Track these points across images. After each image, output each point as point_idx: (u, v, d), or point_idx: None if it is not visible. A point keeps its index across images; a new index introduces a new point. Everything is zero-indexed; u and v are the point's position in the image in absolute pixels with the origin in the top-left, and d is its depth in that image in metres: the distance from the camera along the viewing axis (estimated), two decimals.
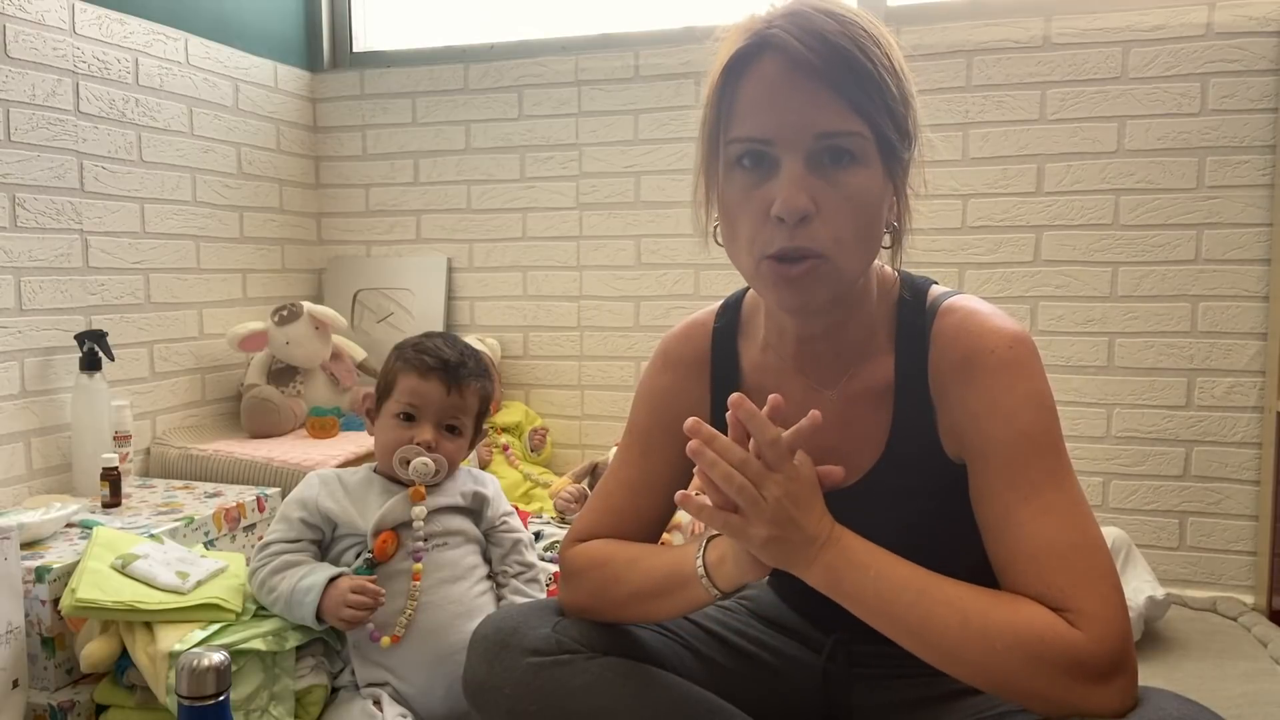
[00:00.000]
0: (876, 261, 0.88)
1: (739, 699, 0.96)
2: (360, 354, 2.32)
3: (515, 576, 1.37)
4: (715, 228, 0.87)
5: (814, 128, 0.77)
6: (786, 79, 0.78)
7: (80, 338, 1.77)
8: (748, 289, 0.98)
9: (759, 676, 1.02)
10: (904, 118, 0.81)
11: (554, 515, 1.92)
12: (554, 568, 1.63)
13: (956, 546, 0.84)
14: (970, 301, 0.88)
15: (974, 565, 0.81)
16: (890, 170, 0.81)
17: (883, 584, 0.77)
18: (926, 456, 0.87)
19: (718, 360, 0.97)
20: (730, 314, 0.99)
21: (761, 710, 0.98)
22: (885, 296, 0.90)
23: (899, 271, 0.90)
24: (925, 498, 0.88)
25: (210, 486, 1.81)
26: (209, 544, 1.60)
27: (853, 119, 0.77)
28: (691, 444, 0.77)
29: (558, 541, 1.73)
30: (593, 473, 2.03)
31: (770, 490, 0.76)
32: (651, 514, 0.98)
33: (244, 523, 1.70)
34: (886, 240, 0.86)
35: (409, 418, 1.33)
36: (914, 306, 0.89)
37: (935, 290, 0.90)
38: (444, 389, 1.33)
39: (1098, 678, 0.72)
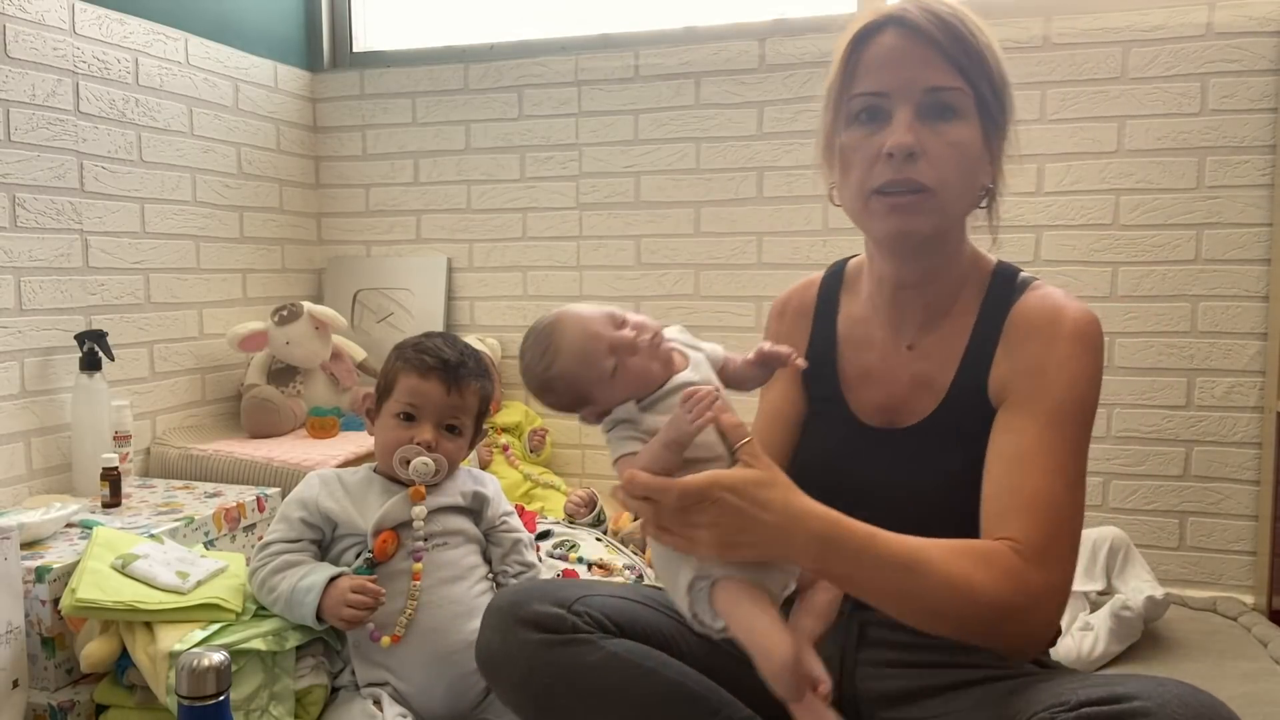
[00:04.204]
0: (974, 246, 1.00)
1: (746, 689, 0.97)
2: (360, 354, 2.32)
3: (515, 576, 1.37)
4: (833, 189, 0.99)
5: (924, 82, 0.90)
6: (904, 43, 0.91)
7: (80, 338, 1.77)
8: (853, 255, 1.11)
9: None
10: (1001, 91, 0.93)
11: (562, 517, 1.92)
12: (561, 565, 1.63)
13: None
14: (1056, 288, 0.98)
15: None
16: (987, 133, 0.93)
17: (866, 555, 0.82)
18: (979, 404, 0.95)
19: (820, 310, 1.09)
20: (837, 271, 1.12)
21: (767, 702, 0.98)
22: (979, 267, 1.01)
23: (996, 259, 1.02)
24: (972, 443, 0.94)
25: (210, 486, 1.81)
26: (209, 544, 1.60)
27: (957, 78, 0.90)
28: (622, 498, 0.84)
29: (566, 540, 1.74)
30: None
31: (701, 534, 0.81)
32: (775, 439, 1.09)
33: (244, 523, 1.70)
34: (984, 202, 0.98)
35: (409, 418, 1.33)
36: (1005, 279, 0.99)
37: (1025, 274, 1.01)
38: (444, 389, 1.33)
39: (1027, 602, 0.82)
